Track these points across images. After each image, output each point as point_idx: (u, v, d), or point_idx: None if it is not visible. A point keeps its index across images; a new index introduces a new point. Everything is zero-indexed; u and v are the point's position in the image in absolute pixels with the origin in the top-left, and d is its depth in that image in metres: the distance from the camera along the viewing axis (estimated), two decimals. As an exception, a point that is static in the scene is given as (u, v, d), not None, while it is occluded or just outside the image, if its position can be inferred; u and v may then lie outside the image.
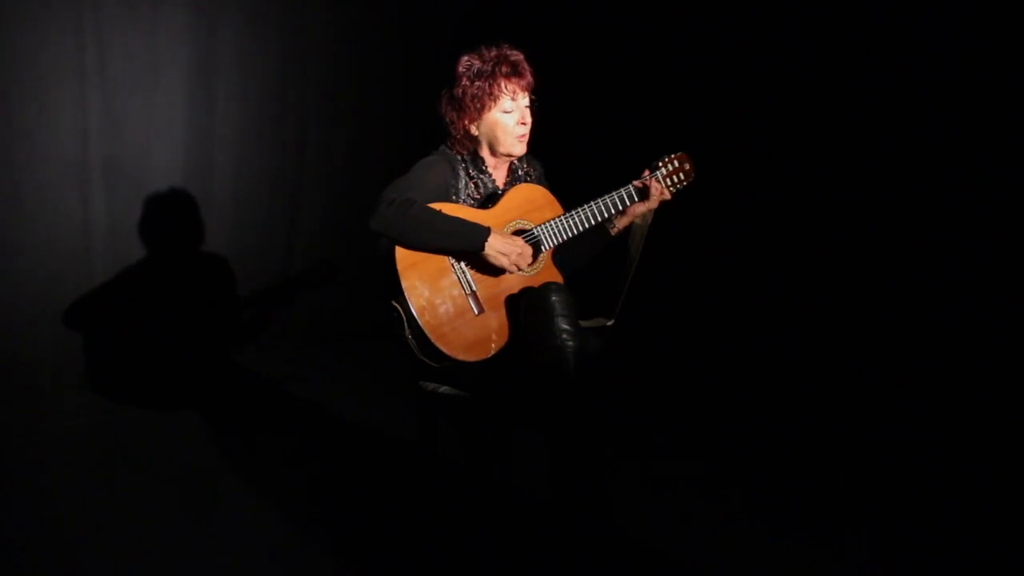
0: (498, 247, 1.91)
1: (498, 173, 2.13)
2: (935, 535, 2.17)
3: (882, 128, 3.12)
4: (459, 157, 2.08)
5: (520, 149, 2.07)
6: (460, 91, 2.03)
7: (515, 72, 2.02)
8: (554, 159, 2.30)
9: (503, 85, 2.00)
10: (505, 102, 2.02)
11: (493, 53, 2.02)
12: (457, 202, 2.03)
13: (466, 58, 2.04)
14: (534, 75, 2.06)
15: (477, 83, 2.00)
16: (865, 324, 3.20)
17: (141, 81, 3.34)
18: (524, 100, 2.05)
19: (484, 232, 1.90)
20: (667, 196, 2.13)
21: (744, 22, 3.51)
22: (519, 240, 1.96)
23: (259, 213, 3.80)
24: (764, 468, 2.61)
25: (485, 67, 2.01)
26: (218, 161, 3.63)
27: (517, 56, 2.04)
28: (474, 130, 2.06)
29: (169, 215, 3.49)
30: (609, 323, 2.10)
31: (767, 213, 3.52)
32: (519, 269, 1.96)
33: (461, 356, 1.89)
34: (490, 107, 2.02)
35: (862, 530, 2.19)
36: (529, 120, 2.06)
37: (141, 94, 3.35)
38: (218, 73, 3.56)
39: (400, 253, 1.89)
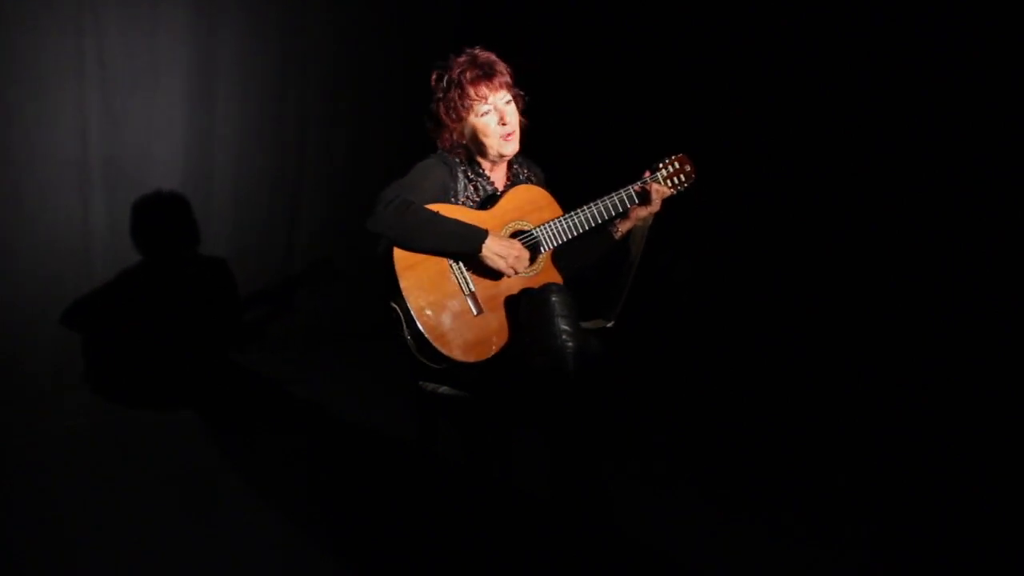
0: (495, 249, 1.90)
1: (496, 175, 2.11)
2: (935, 535, 2.17)
3: (882, 128, 3.12)
4: (457, 160, 2.07)
5: (510, 148, 2.04)
6: (435, 105, 2.03)
7: (484, 75, 2.00)
8: (553, 161, 2.30)
9: (471, 92, 1.99)
10: (479, 107, 2.00)
11: (461, 59, 2.02)
12: (456, 204, 2.02)
13: (437, 71, 2.04)
14: (511, 71, 2.04)
15: (448, 94, 2.00)
16: (865, 324, 3.20)
17: (141, 81, 3.34)
18: (502, 99, 2.02)
19: (481, 234, 1.90)
20: (669, 193, 2.12)
21: (744, 22, 3.51)
22: (516, 243, 1.96)
23: (259, 213, 3.80)
24: (764, 468, 2.61)
25: (453, 76, 2.00)
26: (218, 161, 3.62)
27: (486, 57, 2.02)
28: (460, 139, 2.06)
29: (169, 215, 3.49)
30: (609, 324, 2.10)
31: (767, 213, 3.52)
32: (516, 272, 1.96)
33: (460, 357, 1.88)
34: (465, 115, 2.01)
35: (862, 530, 2.19)
36: (512, 119, 2.03)
37: (141, 94, 3.35)
38: (218, 73, 3.55)
39: (398, 254, 1.89)
